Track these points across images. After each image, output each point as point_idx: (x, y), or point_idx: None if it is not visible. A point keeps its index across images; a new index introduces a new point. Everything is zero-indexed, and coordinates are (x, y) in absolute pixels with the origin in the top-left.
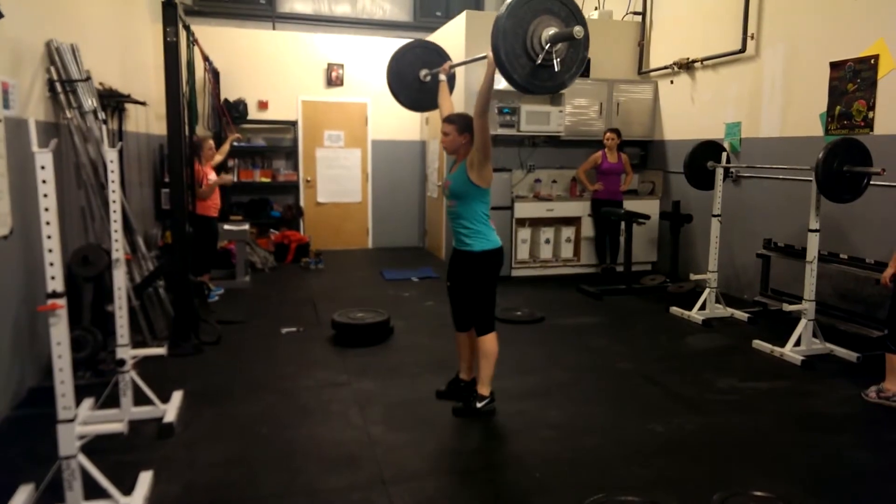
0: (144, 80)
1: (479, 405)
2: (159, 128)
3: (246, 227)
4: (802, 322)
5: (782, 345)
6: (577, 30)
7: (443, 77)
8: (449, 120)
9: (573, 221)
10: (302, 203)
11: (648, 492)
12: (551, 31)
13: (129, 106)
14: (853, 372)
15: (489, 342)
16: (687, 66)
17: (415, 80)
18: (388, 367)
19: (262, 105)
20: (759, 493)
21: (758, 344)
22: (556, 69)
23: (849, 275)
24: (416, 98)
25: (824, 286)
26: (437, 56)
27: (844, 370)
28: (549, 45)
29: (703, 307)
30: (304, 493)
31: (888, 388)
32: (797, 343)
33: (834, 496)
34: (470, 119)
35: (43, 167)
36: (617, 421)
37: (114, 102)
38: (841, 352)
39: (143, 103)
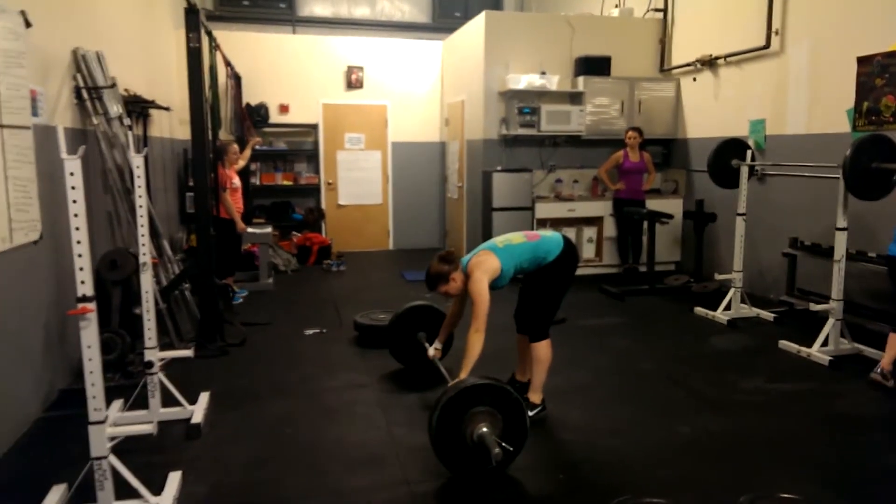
0: (168, 86)
1: (530, 413)
2: (183, 132)
3: (269, 229)
4: (830, 322)
5: (809, 345)
6: (497, 453)
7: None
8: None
9: (595, 221)
10: (323, 205)
11: (673, 494)
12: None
13: (153, 111)
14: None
15: (543, 349)
16: (710, 63)
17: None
18: (405, 369)
19: (283, 109)
20: (785, 496)
21: (784, 344)
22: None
23: (877, 273)
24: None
25: (852, 285)
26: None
27: (873, 370)
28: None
29: (728, 307)
30: (330, 493)
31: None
32: (825, 343)
33: (862, 499)
34: (446, 266)
35: (72, 174)
36: (640, 422)
37: (138, 108)
38: (869, 352)
39: (167, 108)
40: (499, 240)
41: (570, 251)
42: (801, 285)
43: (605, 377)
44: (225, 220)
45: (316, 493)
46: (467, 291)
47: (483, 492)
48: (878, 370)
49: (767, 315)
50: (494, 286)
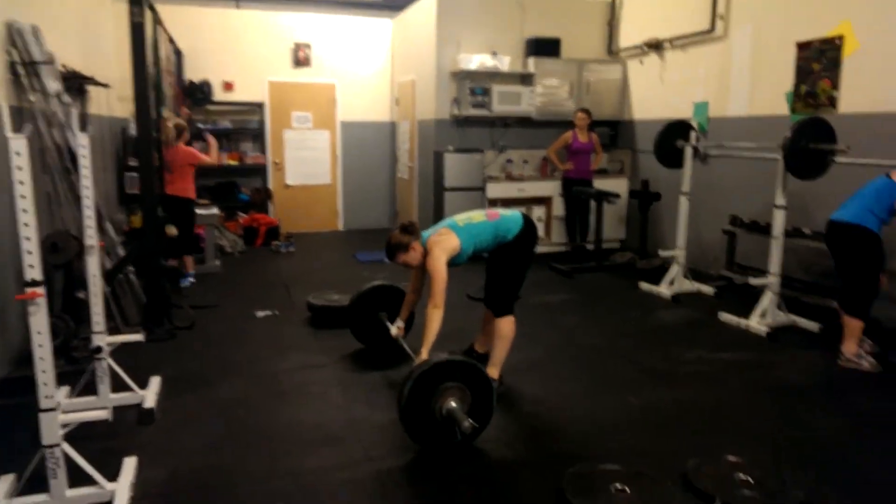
0: (105, 62)
1: None
2: (122, 110)
3: (215, 210)
4: (767, 295)
5: (748, 317)
6: (466, 426)
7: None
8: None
9: (544, 201)
10: (270, 186)
11: (626, 461)
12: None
13: (90, 88)
14: (816, 342)
15: (506, 325)
16: (656, 46)
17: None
18: (365, 348)
19: (228, 86)
20: (730, 459)
21: (724, 317)
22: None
23: (812, 249)
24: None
25: (788, 260)
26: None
27: (807, 340)
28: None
29: (671, 282)
30: (291, 474)
31: (849, 349)
32: (762, 315)
33: (801, 459)
34: (406, 236)
35: (18, 153)
36: (593, 394)
37: (76, 85)
38: (804, 323)
39: (105, 85)
40: (460, 218)
41: (529, 229)
42: (741, 261)
43: (558, 352)
44: (178, 198)
45: (277, 474)
46: (425, 266)
47: (446, 466)
48: (846, 356)
49: (708, 289)
50: (453, 263)
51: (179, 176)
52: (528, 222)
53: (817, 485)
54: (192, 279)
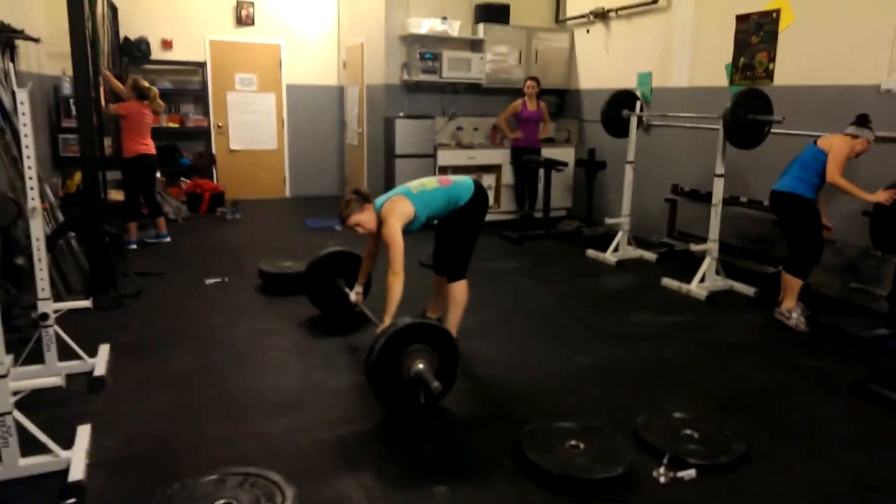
0: (33, 16)
1: None
2: (51, 68)
3: (157, 175)
4: (707, 261)
5: (688, 282)
6: (435, 386)
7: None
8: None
9: (494, 169)
10: (214, 150)
11: (579, 417)
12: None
13: (20, 43)
14: (751, 304)
15: (460, 289)
16: (602, 16)
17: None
18: (323, 315)
19: (167, 44)
20: (677, 414)
21: (666, 282)
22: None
23: (748, 216)
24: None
25: (726, 227)
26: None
27: (744, 303)
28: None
29: (616, 249)
30: (251, 438)
31: (788, 306)
32: (702, 280)
33: (739, 412)
34: (359, 197)
35: None
36: (545, 355)
37: (4, 38)
38: (740, 287)
39: (36, 40)
40: (413, 185)
41: (480, 194)
42: (681, 228)
43: (510, 316)
44: (129, 159)
45: (238, 437)
46: (381, 235)
47: (405, 427)
48: (783, 311)
49: (651, 256)
50: (407, 230)
51: (144, 133)
52: (479, 188)
53: (758, 435)
54: (132, 245)
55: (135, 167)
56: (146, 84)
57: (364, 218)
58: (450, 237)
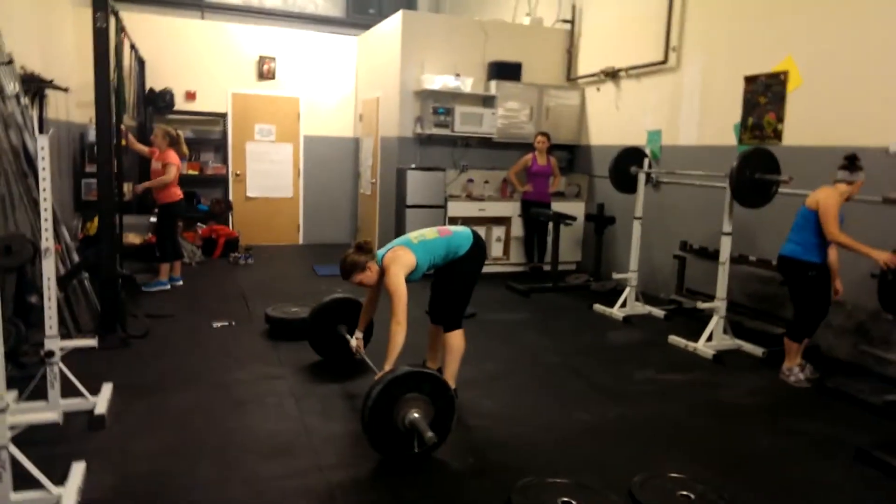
0: (65, 66)
1: None
2: (80, 116)
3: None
4: (714, 319)
5: (696, 340)
6: (429, 436)
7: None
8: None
9: (504, 221)
10: (231, 197)
11: (574, 475)
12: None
13: (49, 92)
14: (759, 365)
15: (457, 338)
16: (612, 75)
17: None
18: (324, 361)
19: (190, 96)
20: (673, 475)
21: (673, 339)
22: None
23: (757, 276)
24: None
25: (734, 286)
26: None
27: (751, 364)
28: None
29: (623, 304)
30: (242, 481)
31: (788, 364)
32: (709, 339)
33: (740, 475)
34: (362, 256)
35: None
36: (545, 410)
37: (34, 88)
38: (749, 347)
39: (65, 90)
40: (413, 235)
41: (478, 245)
42: (690, 285)
43: (513, 368)
44: (170, 204)
45: (228, 480)
46: (383, 284)
47: (396, 475)
48: (783, 370)
49: (659, 312)
50: (408, 280)
51: (177, 179)
52: (477, 238)
53: (756, 499)
54: (175, 284)
55: (173, 211)
56: (175, 131)
57: (366, 276)
58: (447, 286)
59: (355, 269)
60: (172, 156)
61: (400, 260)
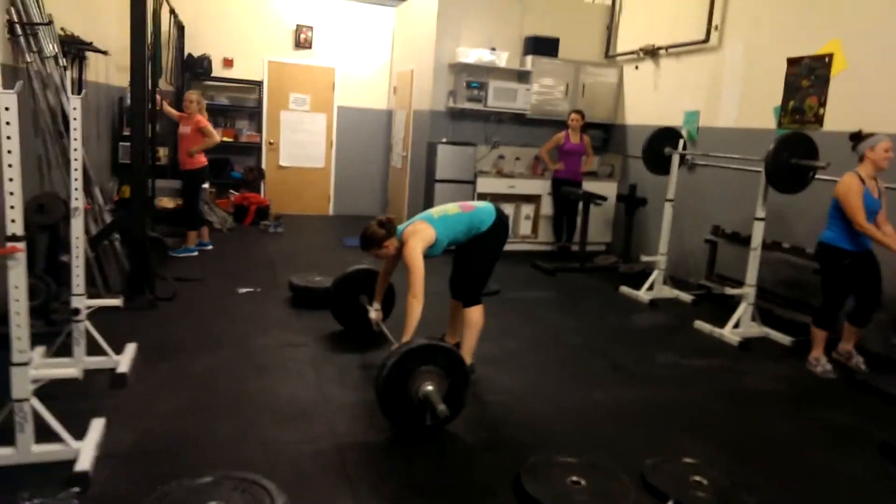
0: (106, 29)
1: None
2: (119, 79)
3: (206, 186)
4: (742, 306)
5: (722, 326)
6: (442, 409)
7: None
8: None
9: (533, 199)
10: (264, 165)
11: (586, 454)
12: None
13: (90, 54)
14: (786, 354)
15: (476, 314)
16: (652, 53)
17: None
18: (345, 330)
19: (227, 63)
20: (686, 460)
21: (699, 324)
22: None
23: (789, 263)
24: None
25: (765, 273)
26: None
27: (778, 352)
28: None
29: (650, 288)
30: (258, 442)
31: (815, 354)
32: (736, 325)
33: (757, 462)
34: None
35: (7, 108)
36: (563, 389)
37: (74, 50)
38: (777, 335)
39: (105, 52)
40: (435, 211)
41: (501, 221)
42: (720, 271)
43: (534, 346)
44: (196, 170)
45: (245, 441)
46: (400, 257)
47: (408, 445)
48: (810, 359)
49: (686, 297)
50: (428, 255)
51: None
52: (500, 214)
53: (770, 487)
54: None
55: (199, 177)
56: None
57: (383, 252)
58: (468, 262)
59: (373, 243)
60: (204, 120)
61: (419, 234)
